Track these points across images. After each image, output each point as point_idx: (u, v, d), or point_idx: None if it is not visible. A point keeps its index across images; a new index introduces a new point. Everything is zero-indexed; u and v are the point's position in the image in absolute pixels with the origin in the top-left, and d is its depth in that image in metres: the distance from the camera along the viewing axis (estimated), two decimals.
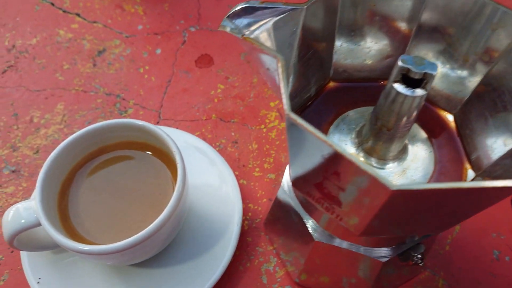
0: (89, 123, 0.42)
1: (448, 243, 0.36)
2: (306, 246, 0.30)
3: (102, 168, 0.32)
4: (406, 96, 0.21)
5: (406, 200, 0.18)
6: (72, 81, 0.45)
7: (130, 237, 0.28)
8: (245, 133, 0.42)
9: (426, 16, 0.26)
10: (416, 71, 0.21)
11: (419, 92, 0.21)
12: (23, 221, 0.29)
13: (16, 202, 0.37)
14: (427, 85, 0.21)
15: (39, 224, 0.29)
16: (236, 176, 0.38)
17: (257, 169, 0.40)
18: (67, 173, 0.32)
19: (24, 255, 0.33)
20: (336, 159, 0.18)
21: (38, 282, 0.32)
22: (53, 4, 0.52)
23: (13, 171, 0.39)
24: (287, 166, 0.31)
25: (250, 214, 0.37)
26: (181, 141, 0.37)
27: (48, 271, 0.32)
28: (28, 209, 0.29)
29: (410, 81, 0.21)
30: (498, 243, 0.36)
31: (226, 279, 0.34)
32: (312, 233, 0.28)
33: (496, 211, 0.35)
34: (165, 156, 0.32)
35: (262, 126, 0.42)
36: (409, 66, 0.21)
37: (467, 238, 0.37)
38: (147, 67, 0.46)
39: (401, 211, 0.20)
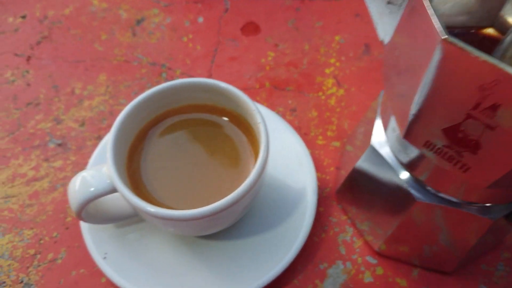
0: (136, 94, 0.39)
1: None
2: (399, 210, 0.28)
3: (172, 132, 0.30)
4: None
5: None
6: (112, 51, 0.42)
7: (207, 205, 0.26)
8: (302, 101, 0.39)
9: None
10: None
11: None
12: (92, 189, 0.26)
13: (66, 176, 0.35)
14: None
15: (111, 191, 0.26)
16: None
17: (320, 137, 0.37)
18: (134, 137, 0.29)
19: (85, 230, 0.30)
20: (506, 85, 0.16)
21: (104, 258, 0.29)
22: None
23: (59, 145, 0.37)
24: (376, 127, 0.29)
25: (318, 183, 0.35)
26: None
27: (113, 246, 0.30)
28: (96, 176, 0.26)
29: None
30: None
31: (302, 252, 0.31)
32: (414, 193, 0.26)
33: None
34: (242, 124, 0.30)
35: (320, 93, 0.40)
36: None
37: None
38: (190, 36, 0.44)
39: None
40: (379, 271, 0.31)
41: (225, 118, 0.30)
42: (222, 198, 0.25)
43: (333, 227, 0.33)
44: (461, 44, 0.16)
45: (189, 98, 0.30)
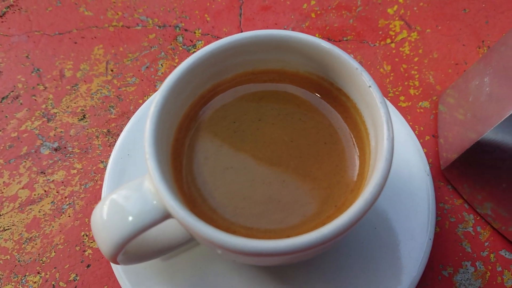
0: (147, 68, 0.29)
1: None
2: None
3: (230, 113, 0.20)
4: None
5: None
6: (106, 15, 0.32)
7: (298, 217, 0.17)
8: (368, 53, 0.30)
9: None
10: None
11: None
12: (131, 218, 0.17)
13: (73, 192, 0.25)
14: None
15: (162, 219, 0.17)
16: None
17: (401, 98, 0.28)
18: (176, 128, 0.20)
19: (119, 270, 0.21)
20: None
21: None
22: None
23: (56, 149, 0.27)
24: None
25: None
26: None
27: (162, 287, 0.21)
28: (134, 198, 0.17)
29: None
30: None
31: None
32: None
33: None
34: (334, 97, 0.20)
35: (388, 41, 0.31)
36: None
37: None
38: None
39: None
40: None
41: (308, 90, 0.21)
42: (323, 208, 0.16)
43: (448, 217, 0.25)
44: None
45: (248, 63, 0.20)
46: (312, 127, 0.20)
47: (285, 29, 0.31)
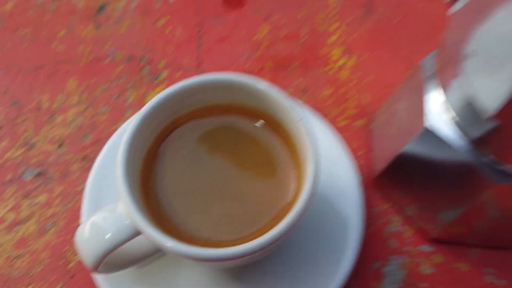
0: (117, 98, 0.33)
1: None
2: (467, 195, 0.24)
3: (189, 144, 0.24)
4: None
5: None
6: (76, 50, 0.35)
7: (246, 229, 0.21)
8: (311, 78, 0.35)
9: None
10: None
11: None
12: (108, 235, 0.21)
13: (55, 213, 0.29)
14: None
15: (133, 235, 0.21)
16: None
17: (340, 118, 0.33)
18: (143, 158, 0.23)
19: (101, 279, 0.25)
20: None
21: None
22: None
23: (38, 175, 0.30)
24: (428, 104, 0.24)
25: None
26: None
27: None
28: (111, 219, 0.21)
29: None
30: None
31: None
32: (489, 176, 0.22)
33: None
34: (273, 125, 0.25)
35: (329, 67, 0.35)
36: None
37: None
38: (166, 18, 0.37)
39: None
40: (438, 259, 0.28)
41: (252, 122, 0.25)
42: (265, 221, 0.21)
43: (377, 219, 0.29)
44: None
45: (202, 100, 0.24)
46: (258, 153, 0.24)
47: (240, 58, 0.36)
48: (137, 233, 0.21)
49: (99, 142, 0.31)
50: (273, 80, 0.34)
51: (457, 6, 0.20)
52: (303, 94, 0.34)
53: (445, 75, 0.23)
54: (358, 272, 0.27)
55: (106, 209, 0.21)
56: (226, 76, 0.23)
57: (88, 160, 0.30)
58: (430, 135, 0.24)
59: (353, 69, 0.35)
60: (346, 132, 0.32)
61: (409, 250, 0.28)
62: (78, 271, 0.27)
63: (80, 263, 0.27)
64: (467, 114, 0.22)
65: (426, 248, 0.29)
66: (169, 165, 0.24)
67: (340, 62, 0.35)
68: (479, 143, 0.22)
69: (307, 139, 0.22)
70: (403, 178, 0.28)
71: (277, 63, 0.35)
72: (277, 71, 0.35)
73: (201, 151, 0.24)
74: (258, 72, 0.35)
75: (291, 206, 0.21)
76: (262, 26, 0.37)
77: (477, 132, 0.22)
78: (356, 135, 0.32)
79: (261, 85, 0.23)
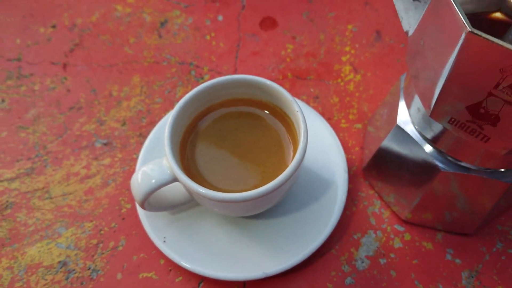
0: (169, 92, 0.43)
1: None
2: (425, 181, 0.31)
3: (217, 124, 0.33)
4: None
5: None
6: (142, 54, 0.46)
7: (255, 184, 0.29)
8: (323, 88, 0.43)
9: None
10: None
11: None
12: (153, 180, 0.29)
13: (115, 172, 0.38)
14: None
15: (172, 181, 0.30)
16: None
17: (343, 121, 0.41)
18: (184, 132, 0.32)
19: (144, 219, 0.34)
20: None
21: (164, 241, 0.33)
22: None
23: (105, 144, 0.40)
24: (400, 108, 0.32)
25: (348, 156, 0.38)
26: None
27: (171, 231, 0.33)
28: (156, 169, 0.30)
29: None
30: None
31: (337, 225, 0.35)
32: (438, 164, 0.29)
33: None
34: (280, 114, 0.33)
35: (339, 80, 0.43)
36: None
37: None
38: (213, 34, 0.47)
39: None
40: (407, 237, 0.35)
41: (265, 111, 0.34)
42: (267, 182, 0.29)
43: (362, 201, 0.37)
44: (484, 35, 0.19)
45: (229, 94, 0.33)
46: (268, 135, 0.33)
47: (267, 69, 0.44)
48: (174, 180, 0.29)
49: (152, 124, 0.41)
50: (292, 87, 0.43)
51: (410, 31, 0.27)
52: (315, 100, 0.42)
53: (407, 90, 0.31)
54: (342, 238, 0.35)
55: (153, 163, 0.30)
56: (248, 77, 0.32)
57: (142, 137, 0.40)
58: (400, 131, 0.32)
59: (358, 83, 0.43)
60: (346, 133, 0.40)
61: (384, 228, 0.35)
62: (128, 216, 0.36)
63: (129, 209, 0.36)
64: (421, 121, 0.30)
65: (398, 227, 0.35)
66: (201, 139, 0.33)
67: (349, 77, 0.43)
68: (431, 142, 0.30)
69: (302, 124, 0.30)
70: (383, 170, 0.35)
71: (296, 74, 0.44)
72: (296, 81, 0.43)
73: (226, 130, 0.33)
74: (280, 80, 0.43)
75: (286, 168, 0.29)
76: (288, 45, 0.46)
77: (428, 135, 0.29)
78: (354, 136, 0.40)
79: (274, 85, 0.31)
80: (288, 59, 0.45)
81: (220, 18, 0.48)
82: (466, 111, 0.24)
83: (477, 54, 0.20)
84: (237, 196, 0.28)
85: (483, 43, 0.20)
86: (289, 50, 0.45)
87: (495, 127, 0.23)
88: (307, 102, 0.42)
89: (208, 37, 0.47)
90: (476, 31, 0.19)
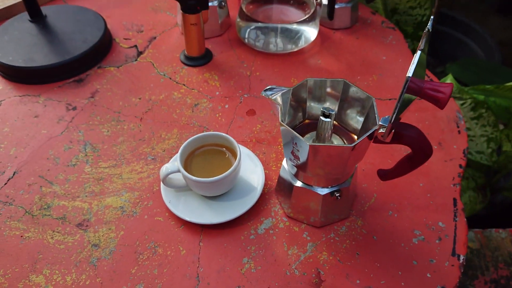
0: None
1: (367, 205, 0.72)
2: (291, 191, 0.67)
3: (202, 152, 0.72)
4: (323, 121, 0.59)
5: (314, 151, 0.56)
6: (181, 119, 0.86)
7: (216, 175, 0.67)
8: (270, 149, 0.81)
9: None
10: (328, 111, 0.59)
11: (328, 119, 0.59)
12: (169, 170, 0.68)
13: (154, 172, 0.77)
14: (330, 116, 0.59)
15: (177, 171, 0.68)
16: (264, 166, 0.76)
17: (274, 167, 0.78)
18: (187, 154, 0.71)
19: (162, 191, 0.72)
20: (296, 139, 0.57)
21: (169, 202, 0.70)
22: (170, 78, 0.95)
23: (153, 159, 0.79)
24: (284, 164, 0.69)
25: (269, 182, 0.75)
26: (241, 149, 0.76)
27: (173, 198, 0.71)
28: (171, 166, 0.68)
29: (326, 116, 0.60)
30: (391, 208, 0.72)
31: (254, 211, 0.71)
32: (295, 184, 0.65)
33: (393, 190, 0.71)
34: (231, 150, 0.72)
35: (279, 146, 0.81)
36: (325, 110, 0.59)
37: (378, 204, 0.72)
38: (220, 114, 0.87)
39: (316, 158, 0.57)
40: (287, 223, 0.70)
41: (223, 148, 0.72)
42: (223, 173, 0.66)
43: (270, 203, 0.72)
44: (317, 144, 0.57)
45: (208, 139, 0.72)
46: (224, 158, 0.71)
47: (243, 136, 0.83)
48: (178, 170, 0.68)
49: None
50: (254, 146, 0.81)
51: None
52: (264, 154, 0.80)
53: (287, 163, 0.68)
54: (254, 218, 0.70)
55: (171, 162, 0.69)
56: (217, 133, 0.71)
57: (170, 157, 0.79)
58: (284, 171, 0.68)
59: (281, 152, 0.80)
60: (276, 171, 0.77)
61: (277, 217, 0.71)
62: (156, 192, 0.74)
63: (157, 190, 0.74)
64: (290, 168, 0.66)
65: (284, 218, 0.70)
66: (195, 158, 0.71)
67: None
68: (295, 176, 0.66)
69: (238, 154, 0.68)
70: (280, 189, 0.71)
71: (258, 140, 0.82)
72: (256, 144, 0.81)
73: (206, 155, 0.72)
74: (249, 142, 0.82)
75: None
76: (258, 125, 0.85)
77: (293, 171, 0.66)
78: (277, 171, 0.77)
79: (228, 136, 0.70)
80: (255, 132, 0.84)
81: (227, 106, 0.89)
82: (292, 154, 0.61)
83: (285, 134, 0.58)
84: (207, 179, 0.65)
85: (316, 147, 0.57)
86: (258, 127, 0.84)
87: (300, 161, 0.60)
88: (260, 154, 0.79)
89: (217, 115, 0.87)
90: (283, 123, 0.57)
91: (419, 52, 0.44)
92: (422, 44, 0.44)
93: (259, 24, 0.97)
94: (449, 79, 1.29)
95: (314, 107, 0.66)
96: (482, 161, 1.34)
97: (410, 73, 0.44)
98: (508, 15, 2.23)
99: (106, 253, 0.66)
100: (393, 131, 0.54)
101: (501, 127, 1.41)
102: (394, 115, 0.47)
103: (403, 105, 0.48)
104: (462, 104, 1.32)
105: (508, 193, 1.41)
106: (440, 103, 0.48)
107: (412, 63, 0.45)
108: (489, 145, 1.34)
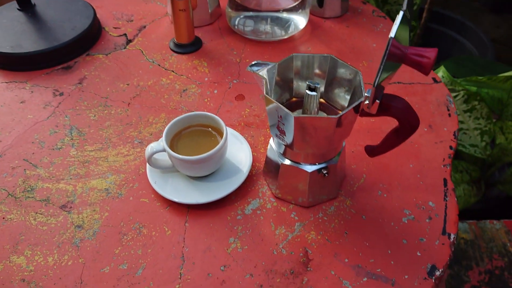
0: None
1: (357, 186, 0.71)
2: (278, 170, 0.66)
3: (188, 133, 0.71)
4: (309, 95, 0.58)
5: (300, 123, 0.55)
6: (169, 104, 0.85)
7: (202, 153, 0.66)
8: (258, 132, 0.80)
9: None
10: (314, 85, 0.58)
11: (314, 93, 0.58)
12: (154, 149, 0.67)
13: (141, 155, 0.76)
14: (316, 89, 0.58)
15: (162, 150, 0.67)
16: (252, 148, 0.75)
17: (262, 145, 0.77)
18: (173, 135, 0.70)
19: (148, 172, 0.71)
20: (280, 111, 0.56)
21: (155, 183, 0.69)
22: (159, 65, 0.94)
23: (139, 142, 0.78)
24: (271, 143, 0.68)
25: (257, 163, 0.74)
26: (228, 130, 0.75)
27: (159, 179, 0.70)
28: (156, 145, 0.67)
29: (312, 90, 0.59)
30: (381, 188, 0.70)
31: (241, 191, 0.69)
32: (282, 162, 0.64)
33: (384, 172, 0.70)
34: (217, 130, 0.70)
35: (268, 129, 0.80)
36: (310, 84, 0.58)
37: (368, 184, 0.71)
38: (209, 99, 0.86)
39: (302, 132, 0.56)
40: (274, 204, 0.69)
41: (209, 128, 0.71)
42: (209, 151, 0.65)
43: (258, 184, 0.71)
44: (270, 98, 0.56)
45: (194, 120, 0.71)
46: (210, 137, 0.70)
47: (232, 120, 0.82)
48: (163, 150, 0.66)
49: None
50: (243, 129, 0.80)
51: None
52: (252, 136, 0.79)
53: (274, 139, 0.67)
54: (242, 198, 0.69)
55: (157, 142, 0.68)
56: (203, 112, 0.70)
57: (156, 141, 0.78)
58: (271, 147, 0.67)
59: None
60: (263, 151, 0.76)
61: (265, 198, 0.69)
62: (142, 174, 0.73)
63: (143, 172, 0.73)
64: (278, 145, 0.65)
65: (272, 199, 0.69)
66: (181, 138, 0.70)
67: None
68: (282, 154, 0.65)
69: (225, 134, 0.67)
70: (268, 170, 0.70)
71: (246, 124, 0.81)
72: (245, 127, 0.80)
73: (192, 135, 0.70)
74: (238, 126, 0.81)
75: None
76: (247, 109, 0.84)
77: (281, 150, 0.65)
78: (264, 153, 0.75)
79: (214, 116, 0.69)
80: (244, 116, 0.83)
81: (216, 91, 0.88)
82: (277, 129, 0.60)
83: (270, 108, 0.57)
84: (193, 157, 0.64)
85: (271, 101, 0.56)
86: (247, 111, 0.83)
87: (285, 136, 0.59)
88: (248, 136, 0.78)
89: (206, 100, 0.86)
90: (267, 96, 0.56)
91: (401, 13, 0.43)
92: (404, 5, 0.44)
93: (250, 13, 0.96)
94: (441, 71, 1.28)
95: (301, 86, 0.66)
96: (476, 154, 1.33)
97: (392, 33, 0.43)
98: (501, 13, 2.24)
99: (90, 234, 0.65)
100: (378, 101, 0.53)
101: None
102: (378, 79, 0.47)
103: (387, 69, 0.47)
104: (455, 97, 1.31)
105: (503, 187, 1.40)
106: (424, 69, 0.47)
107: (395, 24, 0.44)
108: (482, 138, 1.34)
